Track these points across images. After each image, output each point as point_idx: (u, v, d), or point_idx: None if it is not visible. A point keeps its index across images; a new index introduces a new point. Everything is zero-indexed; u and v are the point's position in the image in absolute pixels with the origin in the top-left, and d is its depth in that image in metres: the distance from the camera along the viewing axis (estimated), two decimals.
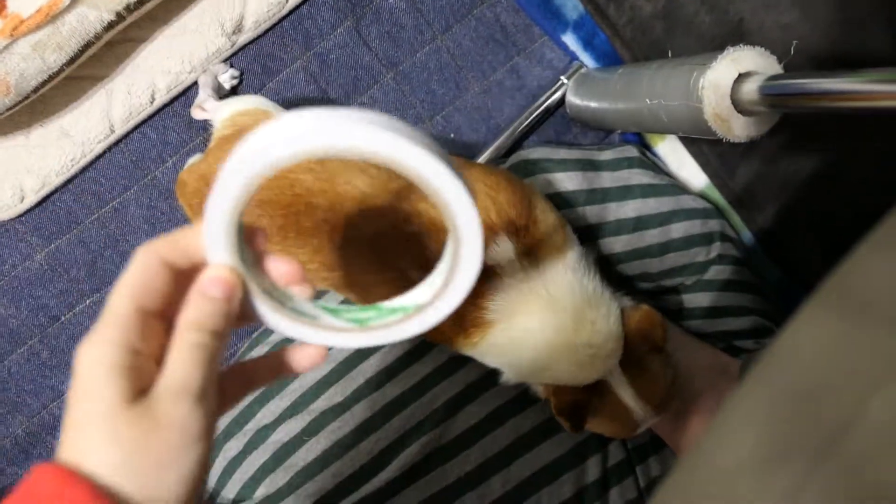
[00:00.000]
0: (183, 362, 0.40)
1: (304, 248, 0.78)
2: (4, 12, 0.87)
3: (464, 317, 0.77)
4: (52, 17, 0.89)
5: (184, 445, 0.39)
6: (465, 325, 0.77)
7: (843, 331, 0.28)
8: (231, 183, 0.40)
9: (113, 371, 0.39)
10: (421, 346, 0.95)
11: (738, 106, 0.74)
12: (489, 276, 0.76)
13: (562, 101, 1.18)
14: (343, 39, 1.12)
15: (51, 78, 0.94)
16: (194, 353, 0.41)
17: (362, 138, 0.39)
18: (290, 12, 1.09)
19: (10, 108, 0.95)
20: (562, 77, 1.16)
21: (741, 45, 0.74)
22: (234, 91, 1.11)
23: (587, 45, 1.15)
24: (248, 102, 0.93)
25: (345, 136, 0.38)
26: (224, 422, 1.00)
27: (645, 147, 1.17)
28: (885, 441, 0.24)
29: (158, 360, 0.41)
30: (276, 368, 0.48)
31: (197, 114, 1.05)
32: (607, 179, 1.04)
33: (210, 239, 0.42)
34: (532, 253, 0.77)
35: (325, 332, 0.48)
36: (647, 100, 0.86)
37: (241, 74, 1.11)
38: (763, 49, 0.74)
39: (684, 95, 0.78)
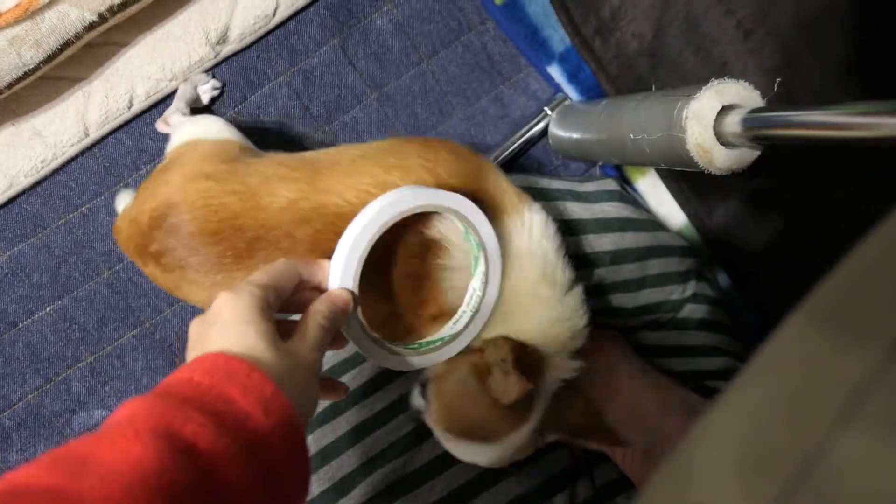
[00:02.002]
0: (315, 329, 0.57)
1: (244, 271, 0.76)
2: None
3: (420, 293, 0.76)
4: (31, 13, 0.87)
5: (314, 381, 0.56)
6: (423, 300, 0.76)
7: (825, 345, 0.28)
8: (365, 233, 0.63)
9: (267, 312, 0.54)
10: (387, 374, 0.92)
11: (721, 137, 0.74)
12: (438, 250, 0.75)
13: (544, 131, 1.18)
14: (329, 57, 1.12)
15: (26, 75, 0.92)
16: (321, 327, 0.58)
17: (448, 200, 0.68)
18: (277, 27, 1.09)
19: None
20: (545, 108, 1.17)
21: (725, 78, 0.74)
22: (212, 102, 1.09)
23: (572, 77, 1.16)
24: (206, 128, 0.89)
25: (441, 199, 0.68)
26: None
27: (625, 182, 1.17)
28: (869, 449, 0.23)
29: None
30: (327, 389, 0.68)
31: (161, 127, 1.02)
32: (587, 211, 1.03)
33: (342, 270, 0.63)
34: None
35: (393, 356, 0.70)
36: (630, 132, 0.86)
37: (223, 87, 1.09)
38: (747, 83, 0.74)
39: (667, 126, 0.77)
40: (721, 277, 1.20)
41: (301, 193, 0.75)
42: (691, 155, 0.75)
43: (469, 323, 0.73)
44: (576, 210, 1.03)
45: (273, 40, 1.10)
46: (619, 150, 0.95)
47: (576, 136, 1.09)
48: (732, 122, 0.72)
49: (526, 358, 0.75)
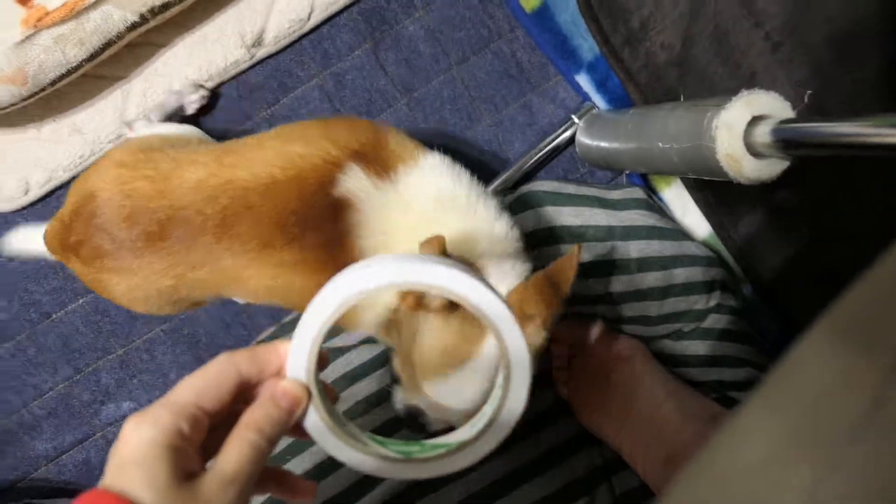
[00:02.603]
0: (238, 456, 0.46)
1: (160, 254, 0.77)
2: (30, 3, 0.88)
3: (338, 259, 0.75)
4: (76, 13, 0.90)
5: None
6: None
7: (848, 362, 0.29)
8: (319, 316, 0.48)
9: (167, 451, 0.45)
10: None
11: (751, 148, 0.74)
12: (348, 209, 0.76)
13: (572, 139, 1.19)
14: (360, 62, 1.14)
15: (69, 73, 0.95)
16: (249, 451, 0.47)
17: (441, 277, 0.49)
18: (311, 31, 1.11)
19: (25, 99, 0.95)
20: (573, 116, 1.18)
21: (756, 88, 0.75)
22: (198, 114, 1.10)
23: (600, 86, 1.17)
24: (174, 130, 0.91)
25: (425, 274, 0.48)
26: None
27: (651, 191, 1.17)
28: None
29: (200, 448, 0.48)
30: (290, 490, 0.55)
31: (124, 130, 1.02)
32: (614, 218, 1.04)
33: (294, 359, 0.49)
34: (386, 172, 0.78)
35: (372, 458, 0.52)
36: (659, 140, 0.87)
37: (214, 98, 1.10)
38: (777, 94, 0.75)
39: (697, 135, 0.78)
40: (745, 288, 1.20)
41: (209, 171, 0.77)
42: (721, 165, 0.76)
43: (482, 433, 0.53)
44: (603, 217, 1.03)
45: (307, 44, 1.12)
46: (647, 158, 0.96)
47: (603, 144, 1.10)
48: (762, 133, 0.73)
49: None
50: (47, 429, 1.13)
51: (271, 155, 0.78)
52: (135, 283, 0.79)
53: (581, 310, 1.01)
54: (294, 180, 0.76)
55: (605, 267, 1.02)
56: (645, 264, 1.02)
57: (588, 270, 1.00)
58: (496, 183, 1.16)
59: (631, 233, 1.04)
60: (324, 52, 1.13)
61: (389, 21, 1.14)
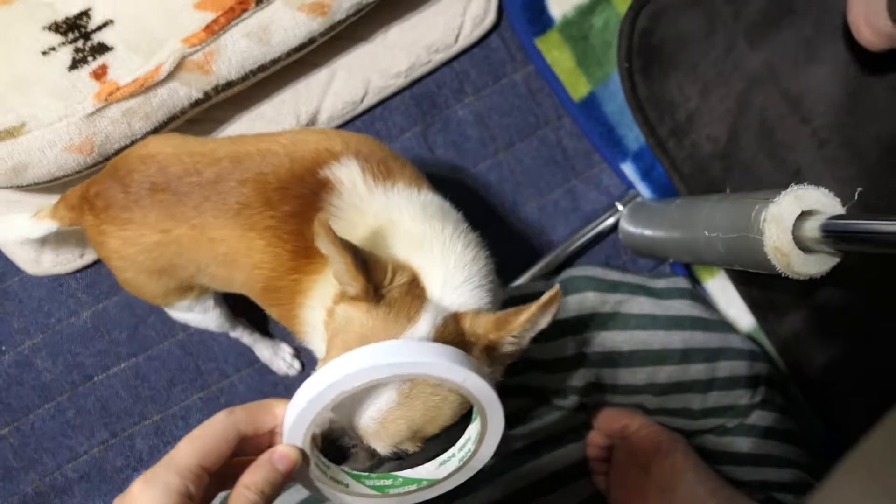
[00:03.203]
0: None
1: (155, 210, 0.81)
2: (104, 78, 0.93)
3: (305, 233, 0.76)
4: (145, 88, 0.94)
5: None
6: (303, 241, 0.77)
7: None
8: (320, 384, 0.52)
9: None
10: None
11: (800, 242, 0.74)
12: (331, 191, 0.77)
13: (615, 226, 1.20)
14: (410, 143, 1.17)
15: (132, 143, 0.99)
16: None
17: (426, 365, 0.53)
18: (364, 112, 1.15)
19: (89, 168, 0.99)
20: (617, 203, 1.19)
21: (805, 183, 0.75)
22: None
23: (645, 175, 1.18)
24: None
25: (413, 364, 0.53)
26: None
27: (694, 281, 1.17)
28: None
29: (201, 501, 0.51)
30: None
31: None
32: (658, 307, 1.03)
33: (291, 427, 0.53)
34: (385, 180, 0.79)
35: (352, 497, 0.60)
36: (706, 230, 0.87)
37: None
38: (827, 190, 0.75)
39: (744, 227, 0.78)
40: (789, 385, 1.17)
41: (223, 143, 0.84)
42: (768, 257, 0.75)
43: (454, 473, 0.62)
44: (647, 305, 1.03)
45: (359, 124, 1.16)
46: (692, 248, 0.95)
47: (648, 232, 1.10)
48: (812, 228, 0.73)
49: (369, 259, 0.68)
50: (78, 493, 1.13)
51: (284, 137, 0.83)
52: (129, 236, 0.83)
53: (622, 400, 0.99)
54: (290, 156, 0.80)
55: (648, 356, 1.00)
56: (689, 355, 1.00)
57: (629, 359, 0.99)
58: (539, 266, 1.17)
59: (675, 323, 1.03)
60: (375, 132, 1.16)
61: (440, 105, 1.17)
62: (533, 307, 0.65)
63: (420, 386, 0.63)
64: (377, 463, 0.73)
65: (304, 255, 0.78)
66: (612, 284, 1.04)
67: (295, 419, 0.53)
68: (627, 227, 1.16)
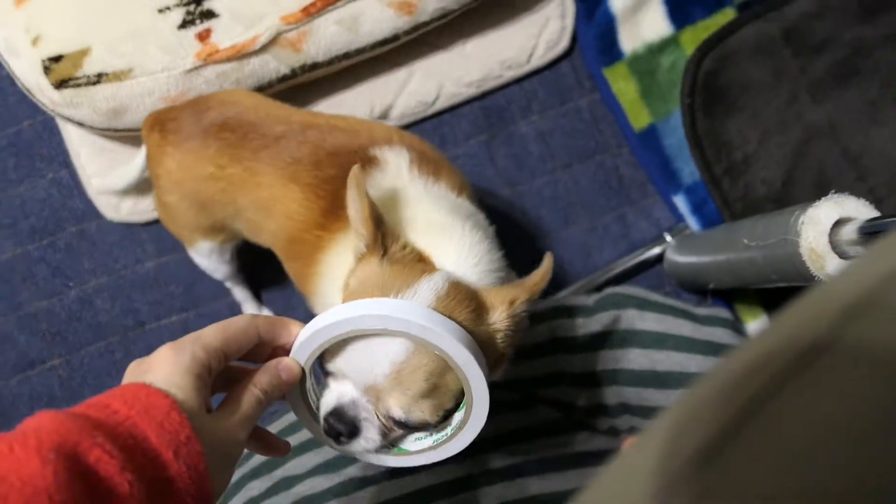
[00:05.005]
0: (249, 405, 0.56)
1: (216, 145, 0.88)
2: (207, 40, 1.03)
3: (338, 197, 0.79)
4: (241, 55, 1.04)
5: (236, 455, 0.56)
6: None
7: None
8: (332, 318, 0.58)
9: (197, 380, 0.52)
10: None
11: (836, 247, 0.75)
12: (376, 166, 0.81)
13: (660, 258, 1.22)
14: (473, 150, 1.23)
15: None
16: (257, 403, 0.57)
17: (434, 333, 0.59)
18: (434, 115, 1.22)
19: None
20: (666, 234, 1.21)
21: (845, 192, 0.77)
22: None
23: (696, 210, 1.21)
24: None
25: (422, 327, 0.59)
26: (253, 463, 0.99)
27: (736, 320, 1.17)
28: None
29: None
30: (267, 447, 0.66)
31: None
32: (698, 332, 1.03)
33: (299, 346, 0.60)
34: (431, 175, 0.83)
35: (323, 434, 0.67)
36: (745, 237, 0.89)
37: None
38: (866, 201, 0.77)
39: (783, 231, 0.80)
40: None
41: (299, 111, 0.92)
42: (803, 259, 0.77)
43: (426, 451, 0.67)
44: (687, 328, 1.03)
45: (428, 126, 1.23)
46: (732, 265, 0.97)
47: (692, 258, 1.12)
48: (849, 231, 0.74)
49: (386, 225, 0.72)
50: None
51: (352, 119, 0.92)
52: (186, 161, 0.90)
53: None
54: (352, 131, 0.87)
55: (683, 379, 1.00)
56: None
57: (665, 381, 0.99)
58: (581, 282, 1.19)
59: (714, 349, 1.03)
60: (441, 135, 1.23)
61: (506, 119, 1.24)
62: (544, 265, 0.70)
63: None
64: (388, 443, 0.71)
65: (333, 215, 0.84)
66: (654, 304, 1.05)
67: (305, 340, 0.59)
68: (673, 256, 1.18)
